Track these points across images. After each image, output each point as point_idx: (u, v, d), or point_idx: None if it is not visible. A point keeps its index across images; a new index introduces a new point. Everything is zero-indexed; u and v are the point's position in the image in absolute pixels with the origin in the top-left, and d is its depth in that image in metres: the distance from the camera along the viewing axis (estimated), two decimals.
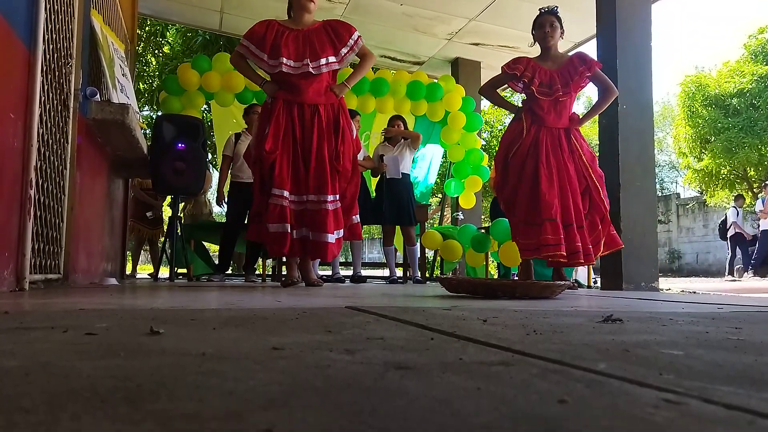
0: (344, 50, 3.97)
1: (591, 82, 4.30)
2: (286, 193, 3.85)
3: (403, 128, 6.26)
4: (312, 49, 3.90)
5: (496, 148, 7.77)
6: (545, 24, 4.22)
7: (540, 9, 4.29)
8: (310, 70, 3.85)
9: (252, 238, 4.21)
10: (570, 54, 4.33)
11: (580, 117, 4.30)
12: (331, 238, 3.87)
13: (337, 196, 3.98)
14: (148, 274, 8.78)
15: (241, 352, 0.94)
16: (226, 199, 6.08)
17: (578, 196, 4.09)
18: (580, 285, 5.71)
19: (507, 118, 18.45)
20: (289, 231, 3.83)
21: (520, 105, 4.39)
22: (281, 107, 3.92)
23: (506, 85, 4.49)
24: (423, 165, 8.38)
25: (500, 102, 4.54)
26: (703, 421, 0.57)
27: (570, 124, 4.20)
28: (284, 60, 3.82)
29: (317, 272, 6.16)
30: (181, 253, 6.06)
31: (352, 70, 4.33)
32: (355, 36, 4.02)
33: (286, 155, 3.89)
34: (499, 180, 4.31)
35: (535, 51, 4.36)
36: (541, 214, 3.96)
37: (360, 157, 6.09)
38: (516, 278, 6.20)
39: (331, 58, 3.92)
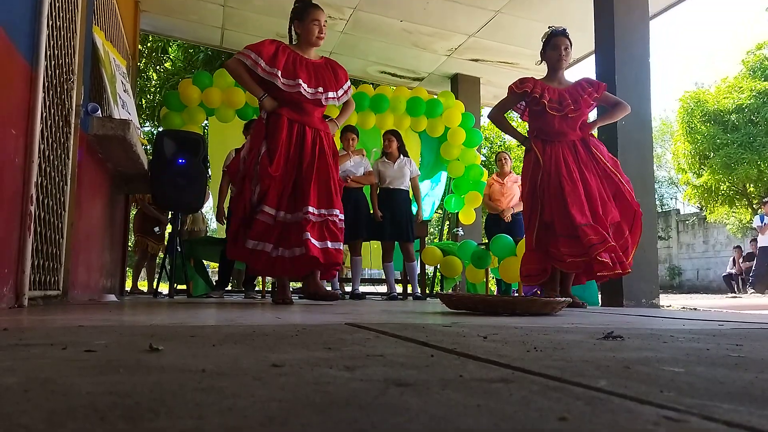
0: (340, 92, 4.10)
1: (600, 104, 4.31)
2: (274, 211, 3.82)
3: (396, 144, 6.25)
4: (323, 81, 3.98)
5: (495, 166, 7.80)
6: (561, 46, 4.19)
7: (551, 27, 4.28)
8: (321, 99, 3.94)
9: (232, 257, 4.31)
10: (576, 79, 4.32)
11: (590, 123, 4.30)
12: (316, 243, 3.80)
13: (323, 211, 3.91)
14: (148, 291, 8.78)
15: (241, 369, 0.94)
16: (226, 215, 6.05)
17: (599, 206, 4.05)
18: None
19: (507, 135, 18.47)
20: (269, 250, 3.78)
21: (526, 135, 4.37)
22: (285, 126, 3.92)
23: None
24: (428, 201, 8.38)
25: (509, 129, 4.51)
26: None
27: (582, 132, 4.18)
28: (302, 83, 3.87)
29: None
30: (181, 269, 6.05)
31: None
32: (349, 84, 4.19)
33: (283, 175, 3.88)
34: (528, 212, 4.21)
35: (536, 70, 4.36)
36: (574, 222, 3.90)
37: (361, 171, 6.12)
38: (517, 294, 6.19)
39: (335, 94, 4.04)
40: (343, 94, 4.11)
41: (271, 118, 3.95)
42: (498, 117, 4.41)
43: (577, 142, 4.16)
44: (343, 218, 4.01)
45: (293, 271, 3.90)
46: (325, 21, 4.00)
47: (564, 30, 4.24)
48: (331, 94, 3.99)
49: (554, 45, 4.22)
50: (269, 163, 3.83)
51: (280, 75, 3.86)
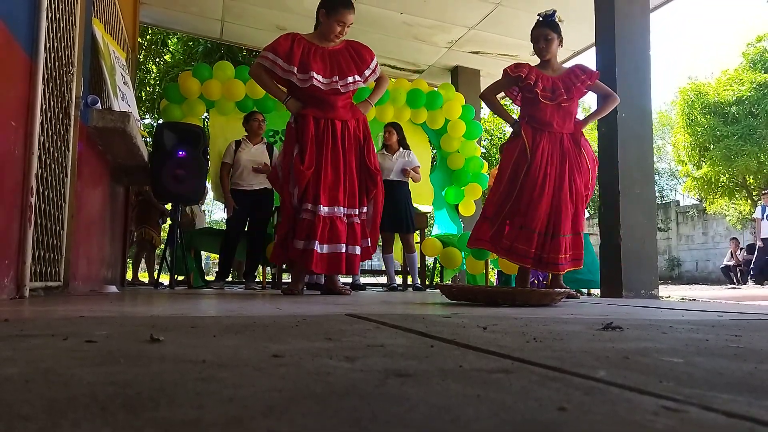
0: (367, 72, 4.06)
1: (591, 92, 4.33)
2: (324, 209, 3.87)
3: (396, 137, 6.25)
4: (339, 68, 3.95)
5: (497, 157, 7.80)
6: (540, 38, 4.22)
7: (539, 15, 4.27)
8: (339, 87, 3.91)
9: (276, 262, 4.42)
10: (570, 66, 4.34)
11: (582, 120, 4.34)
12: (359, 250, 3.99)
13: (364, 209, 4.07)
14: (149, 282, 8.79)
15: (241, 359, 0.94)
16: (235, 206, 5.98)
17: (570, 205, 4.12)
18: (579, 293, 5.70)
19: (507, 126, 18.46)
20: (316, 248, 3.82)
21: (517, 118, 4.37)
22: (312, 124, 3.93)
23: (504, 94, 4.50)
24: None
25: (499, 110, 4.48)
26: (703, 429, 0.57)
27: (575, 128, 4.21)
28: (314, 75, 3.84)
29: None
30: (181, 261, 6.06)
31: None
32: (375, 60, 4.14)
33: (317, 171, 3.91)
34: (503, 194, 4.19)
35: (536, 62, 4.36)
36: (531, 223, 4.03)
37: None
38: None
39: (357, 77, 4.00)
40: (370, 74, 4.08)
41: (298, 120, 3.98)
42: (489, 96, 4.40)
43: (565, 136, 4.18)
44: (364, 211, 4.07)
45: (338, 268, 3.97)
46: (351, 23, 3.99)
47: (544, 19, 4.23)
48: (350, 79, 3.96)
49: (534, 38, 4.28)
50: (301, 162, 3.87)
51: (296, 71, 3.86)
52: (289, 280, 9.71)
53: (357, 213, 4.00)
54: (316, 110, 3.95)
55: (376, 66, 4.12)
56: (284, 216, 4.04)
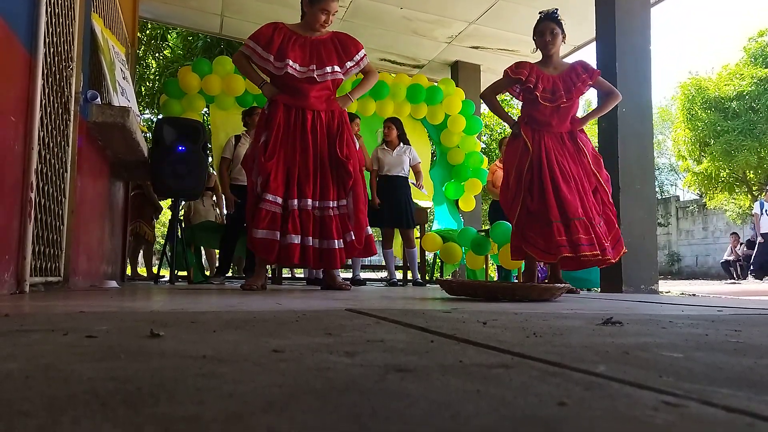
0: (350, 64, 3.97)
1: (593, 88, 4.31)
2: (279, 200, 3.80)
3: (396, 132, 6.24)
4: (318, 57, 3.88)
5: (497, 152, 7.80)
6: (546, 32, 4.18)
7: (540, 13, 4.26)
8: (315, 76, 3.83)
9: (249, 247, 4.26)
10: (572, 62, 4.30)
11: (581, 118, 4.31)
12: (338, 244, 3.86)
13: (344, 201, 3.96)
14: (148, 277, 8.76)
15: (241, 355, 0.94)
16: (236, 199, 5.96)
17: (590, 195, 4.07)
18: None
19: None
20: (278, 238, 3.76)
21: (517, 117, 4.36)
22: (282, 113, 3.88)
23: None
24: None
25: (499, 111, 4.47)
26: (703, 424, 0.57)
27: (572, 126, 4.19)
28: (290, 62, 3.79)
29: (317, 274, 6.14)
30: (181, 256, 6.06)
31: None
32: (361, 53, 4.05)
33: (284, 161, 3.84)
34: (510, 197, 4.17)
35: (536, 56, 4.34)
36: (567, 214, 3.90)
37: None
38: (517, 281, 6.20)
39: (336, 68, 3.91)
40: (353, 66, 3.99)
41: (271, 106, 3.94)
42: (490, 97, 4.39)
43: (564, 135, 4.17)
44: (344, 204, 3.95)
45: (304, 260, 3.87)
46: (336, 12, 3.93)
47: (550, 14, 4.20)
48: (328, 69, 3.87)
49: (539, 31, 4.22)
50: (264, 152, 3.82)
51: (272, 59, 3.83)
52: (289, 276, 9.73)
53: (332, 206, 3.89)
54: (288, 98, 3.89)
55: (361, 59, 4.03)
56: (248, 204, 3.97)
